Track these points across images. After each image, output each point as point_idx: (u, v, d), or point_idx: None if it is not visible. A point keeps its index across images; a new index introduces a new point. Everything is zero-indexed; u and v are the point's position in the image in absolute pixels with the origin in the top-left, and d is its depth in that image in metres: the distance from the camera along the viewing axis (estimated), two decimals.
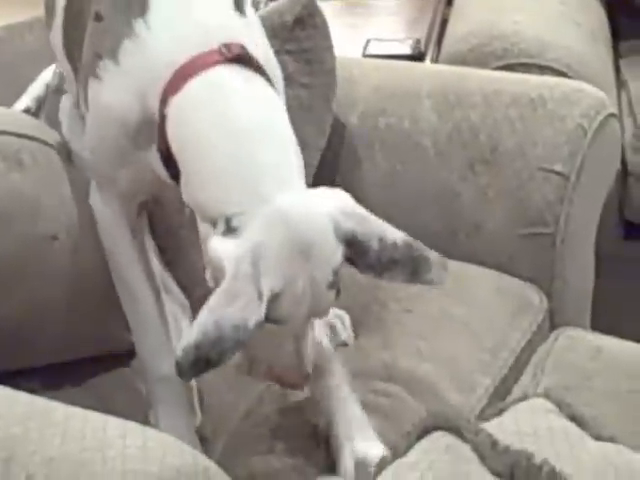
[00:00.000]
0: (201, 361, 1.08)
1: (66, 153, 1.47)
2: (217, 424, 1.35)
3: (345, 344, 1.49)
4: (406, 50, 2.28)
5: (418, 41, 2.32)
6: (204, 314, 1.09)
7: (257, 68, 1.21)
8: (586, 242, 1.75)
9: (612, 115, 1.75)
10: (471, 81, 1.80)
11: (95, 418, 0.93)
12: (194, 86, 1.17)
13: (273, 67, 1.29)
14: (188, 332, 1.11)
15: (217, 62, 1.17)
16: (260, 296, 1.09)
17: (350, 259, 1.16)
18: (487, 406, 1.43)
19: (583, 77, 1.95)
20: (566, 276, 1.70)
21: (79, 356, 1.42)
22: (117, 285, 1.34)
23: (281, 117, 1.20)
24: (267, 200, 1.11)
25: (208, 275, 1.16)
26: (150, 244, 1.44)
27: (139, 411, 1.32)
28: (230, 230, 1.12)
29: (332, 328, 1.50)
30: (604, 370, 1.39)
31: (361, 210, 1.17)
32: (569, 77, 1.98)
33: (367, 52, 2.26)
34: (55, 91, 1.56)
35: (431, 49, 2.33)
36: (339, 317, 1.52)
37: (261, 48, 1.26)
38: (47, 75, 1.62)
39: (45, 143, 1.44)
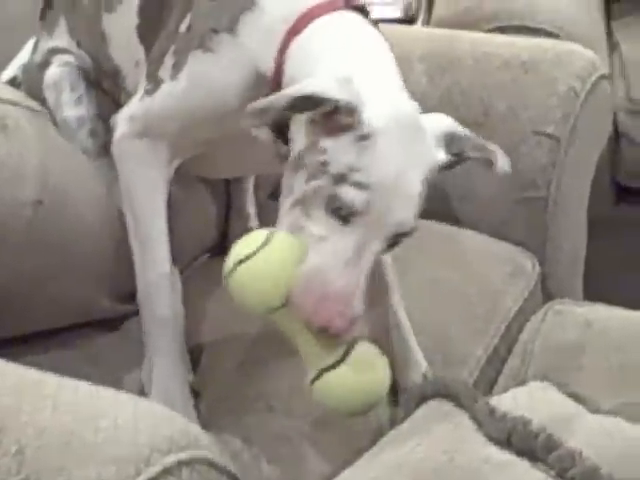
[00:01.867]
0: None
1: (52, 120, 1.45)
2: (207, 374, 1.34)
3: None
4: (397, 13, 2.27)
5: (409, 4, 2.31)
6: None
7: (372, 21, 1.25)
8: (578, 206, 1.75)
9: (604, 77, 1.74)
10: (462, 44, 1.78)
11: (86, 389, 0.92)
12: (318, 23, 1.19)
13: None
14: None
15: (338, 8, 1.21)
16: (357, 103, 1.09)
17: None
18: (479, 379, 1.41)
19: (575, 39, 1.93)
20: (558, 240, 1.69)
21: (69, 322, 1.41)
22: (133, 237, 1.33)
23: (389, 54, 1.23)
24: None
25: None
26: None
27: (132, 372, 1.33)
28: None
29: None
30: (594, 347, 1.38)
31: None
32: (561, 39, 1.96)
33: None
34: (38, 66, 1.53)
35: (422, 12, 2.32)
36: None
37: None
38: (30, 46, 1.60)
39: (30, 109, 1.42)
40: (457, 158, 1.19)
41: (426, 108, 1.67)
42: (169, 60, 1.28)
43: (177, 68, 1.27)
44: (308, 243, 1.09)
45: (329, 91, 1.08)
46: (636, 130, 2.11)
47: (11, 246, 1.29)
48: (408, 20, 2.25)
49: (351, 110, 1.08)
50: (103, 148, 1.45)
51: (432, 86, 1.72)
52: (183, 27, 1.28)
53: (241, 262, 1.06)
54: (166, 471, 0.84)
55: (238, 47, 1.23)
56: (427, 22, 2.21)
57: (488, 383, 1.42)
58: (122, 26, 1.41)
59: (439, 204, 1.69)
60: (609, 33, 2.34)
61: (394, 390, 1.23)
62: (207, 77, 1.25)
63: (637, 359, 1.35)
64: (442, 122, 1.20)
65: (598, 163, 1.80)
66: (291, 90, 1.10)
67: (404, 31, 1.98)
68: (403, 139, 1.11)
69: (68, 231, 1.36)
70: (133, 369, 1.34)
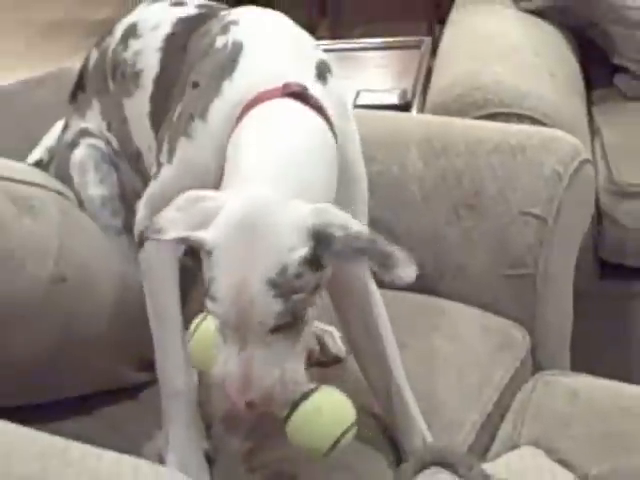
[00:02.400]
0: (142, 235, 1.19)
1: (77, 201, 1.49)
2: (221, 441, 1.35)
3: (338, 359, 1.50)
4: (394, 100, 2.31)
5: (405, 91, 2.35)
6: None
7: (314, 106, 1.23)
8: (565, 281, 1.77)
9: (586, 161, 1.77)
10: (455, 130, 1.82)
11: (109, 457, 0.94)
12: (252, 115, 1.22)
13: (337, 113, 1.28)
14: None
15: (274, 96, 1.22)
16: (189, 230, 1.12)
17: (317, 256, 1.10)
18: (474, 443, 1.42)
19: (559, 124, 1.97)
20: (547, 314, 1.71)
21: (91, 391, 1.43)
22: (151, 315, 1.36)
23: (316, 138, 1.21)
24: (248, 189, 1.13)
25: None
26: None
27: (152, 440, 1.35)
28: None
29: (322, 345, 1.51)
30: (580, 415, 1.40)
31: (329, 207, 1.13)
32: (546, 125, 2.00)
33: (358, 102, 2.29)
34: (68, 145, 1.57)
35: (417, 98, 2.36)
36: (328, 333, 1.52)
37: (337, 116, 1.27)
38: (59, 129, 1.64)
39: (55, 191, 1.45)
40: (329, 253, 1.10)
41: (422, 190, 1.73)
42: (165, 146, 1.34)
43: (170, 153, 1.32)
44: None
45: (185, 232, 1.12)
46: (617, 210, 2.13)
47: (37, 320, 1.31)
48: (404, 106, 2.29)
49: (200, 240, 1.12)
50: (124, 226, 1.50)
51: (427, 169, 1.75)
52: (176, 115, 1.33)
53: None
54: None
55: (208, 132, 1.27)
56: (422, 108, 2.24)
57: (483, 448, 1.43)
58: (138, 111, 1.46)
59: (433, 279, 1.72)
60: (590, 118, 2.38)
61: (397, 454, 1.25)
62: (189, 161, 1.30)
63: (621, 427, 1.36)
64: (317, 216, 1.10)
65: (583, 241, 1.82)
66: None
67: (401, 118, 2.02)
68: (243, 246, 1.10)
69: (89, 305, 1.38)
70: (152, 437, 1.35)
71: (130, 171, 1.54)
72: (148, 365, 1.40)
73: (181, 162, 1.31)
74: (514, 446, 1.30)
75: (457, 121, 1.89)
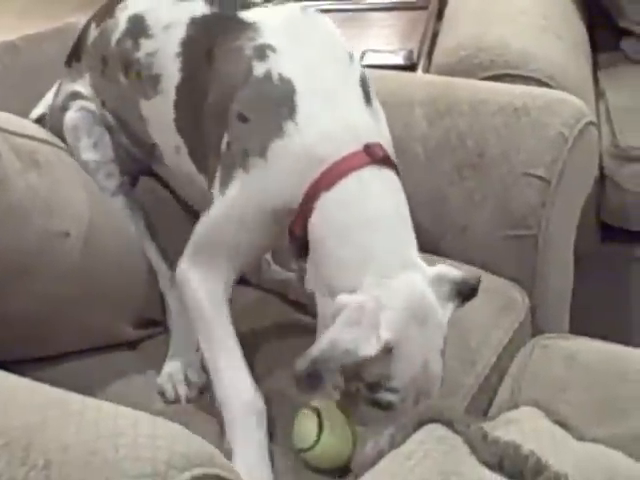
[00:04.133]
0: (313, 375, 1.14)
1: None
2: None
3: None
4: (399, 61, 2.29)
5: (411, 52, 2.33)
6: (325, 336, 1.15)
7: (391, 165, 1.30)
8: (566, 244, 1.76)
9: (591, 123, 1.76)
10: (460, 91, 1.80)
11: (108, 408, 0.94)
12: (346, 185, 1.24)
13: (389, 143, 1.37)
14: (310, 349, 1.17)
15: (365, 163, 1.26)
16: (377, 335, 1.14)
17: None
18: (470, 406, 1.42)
19: (564, 87, 1.95)
20: (547, 276, 1.71)
21: (91, 346, 1.43)
22: (206, 346, 1.35)
23: (403, 205, 1.29)
24: (394, 277, 1.19)
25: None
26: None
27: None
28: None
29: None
30: (578, 380, 1.40)
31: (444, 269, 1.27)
32: (551, 87, 1.98)
33: (363, 63, 2.25)
34: (59, 109, 1.56)
35: (423, 60, 2.33)
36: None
37: (384, 132, 1.37)
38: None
39: (57, 146, 1.44)
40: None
41: (426, 150, 1.72)
42: (218, 178, 1.32)
43: (224, 184, 1.31)
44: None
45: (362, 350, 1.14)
46: (620, 174, 2.12)
47: (40, 274, 1.31)
48: (410, 67, 2.27)
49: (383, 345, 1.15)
50: (119, 187, 1.52)
51: (431, 129, 1.74)
52: (223, 145, 1.32)
53: (301, 451, 1.27)
54: None
55: (270, 172, 1.27)
56: (427, 69, 2.22)
57: (480, 411, 1.43)
58: (160, 114, 1.45)
59: (435, 239, 1.71)
60: (596, 82, 2.36)
61: None
62: (247, 196, 1.30)
63: (618, 392, 1.36)
64: (447, 275, 1.26)
65: (585, 204, 1.81)
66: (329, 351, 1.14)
67: (406, 77, 2.01)
68: (419, 333, 1.18)
69: (92, 261, 1.38)
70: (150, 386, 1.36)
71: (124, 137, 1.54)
72: (147, 322, 1.40)
73: (239, 198, 1.30)
74: (512, 408, 1.30)
75: (461, 82, 1.87)
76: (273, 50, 1.31)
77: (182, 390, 1.38)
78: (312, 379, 1.14)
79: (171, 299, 1.49)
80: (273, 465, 1.27)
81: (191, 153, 1.42)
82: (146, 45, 1.45)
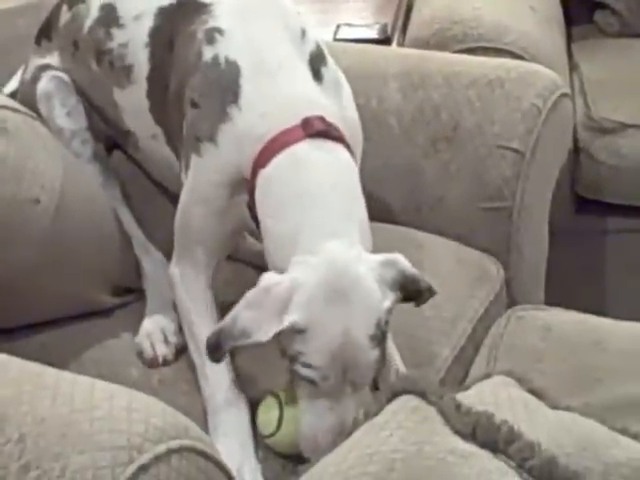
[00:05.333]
0: (216, 345, 1.17)
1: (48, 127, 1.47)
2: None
3: None
4: (374, 34, 2.28)
5: (385, 26, 2.32)
6: (231, 312, 1.17)
7: (336, 137, 1.27)
8: (540, 216, 1.77)
9: (565, 95, 1.77)
10: (433, 63, 1.80)
11: (83, 381, 0.94)
12: (279, 162, 1.24)
13: (352, 125, 1.36)
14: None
15: (301, 138, 1.24)
16: (278, 321, 1.15)
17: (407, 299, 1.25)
18: (446, 376, 1.43)
19: (538, 60, 1.96)
20: (522, 248, 1.71)
21: (64, 315, 1.42)
22: (187, 332, 1.37)
23: (346, 178, 1.27)
24: (319, 251, 1.18)
25: None
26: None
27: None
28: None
29: None
30: (553, 350, 1.40)
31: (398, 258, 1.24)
32: (525, 59, 1.99)
33: (337, 36, 2.26)
34: (29, 82, 1.55)
35: (397, 34, 2.33)
36: None
37: (339, 108, 1.34)
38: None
39: (30, 116, 1.43)
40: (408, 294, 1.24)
41: (401, 123, 1.72)
42: (183, 162, 1.36)
43: (186, 168, 1.34)
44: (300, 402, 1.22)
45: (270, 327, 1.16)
46: (594, 146, 2.13)
47: (12, 242, 1.30)
48: (384, 40, 2.26)
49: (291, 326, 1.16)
50: (94, 154, 1.52)
51: (405, 102, 1.74)
52: (184, 132, 1.34)
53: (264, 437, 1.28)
54: (157, 458, 0.86)
55: (220, 155, 1.29)
56: (402, 43, 2.22)
57: (456, 382, 1.44)
58: (135, 104, 1.46)
59: (410, 212, 1.72)
60: (569, 54, 2.37)
61: (375, 389, 1.26)
62: (203, 179, 1.32)
63: (592, 362, 1.37)
64: (397, 264, 1.23)
65: (559, 176, 1.82)
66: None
67: (380, 51, 2.00)
68: (336, 308, 1.16)
69: (64, 228, 1.37)
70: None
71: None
72: (122, 290, 1.39)
73: (198, 180, 1.32)
74: (486, 379, 1.30)
75: (435, 54, 1.87)
76: (221, 33, 1.32)
77: (160, 349, 1.38)
78: (215, 350, 1.18)
79: (146, 263, 1.50)
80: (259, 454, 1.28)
81: (168, 141, 1.43)
82: (118, 36, 1.45)
